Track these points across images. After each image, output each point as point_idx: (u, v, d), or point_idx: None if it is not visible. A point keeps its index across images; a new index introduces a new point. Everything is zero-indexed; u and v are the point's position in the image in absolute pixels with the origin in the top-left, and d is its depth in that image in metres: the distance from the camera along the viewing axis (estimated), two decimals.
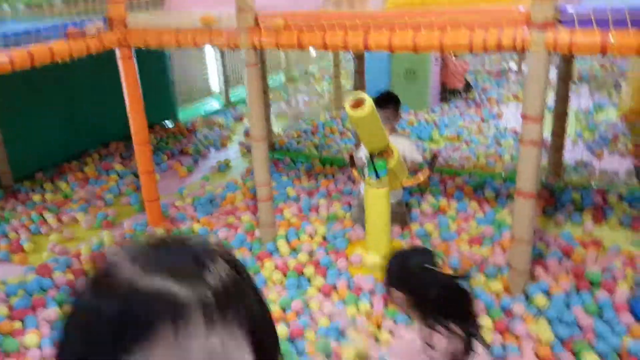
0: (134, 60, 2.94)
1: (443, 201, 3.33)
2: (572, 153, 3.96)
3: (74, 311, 0.52)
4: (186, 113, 5.52)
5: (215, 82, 6.15)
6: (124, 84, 2.95)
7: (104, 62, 3.15)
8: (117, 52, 2.89)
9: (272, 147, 4.31)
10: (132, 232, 3.20)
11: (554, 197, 3.29)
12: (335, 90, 5.38)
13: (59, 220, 3.40)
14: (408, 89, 5.18)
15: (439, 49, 2.20)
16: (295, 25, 2.46)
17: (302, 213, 3.30)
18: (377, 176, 2.54)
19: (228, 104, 5.82)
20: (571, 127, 4.27)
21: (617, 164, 3.83)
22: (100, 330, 0.48)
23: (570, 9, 2.00)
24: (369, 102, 2.21)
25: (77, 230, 3.31)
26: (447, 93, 5.45)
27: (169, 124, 5.19)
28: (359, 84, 3.73)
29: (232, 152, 4.61)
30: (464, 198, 3.38)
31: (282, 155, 4.22)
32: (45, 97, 4.05)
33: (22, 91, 3.89)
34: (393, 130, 2.93)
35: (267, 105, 4.16)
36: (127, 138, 4.46)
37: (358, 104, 2.24)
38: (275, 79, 6.77)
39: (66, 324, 0.52)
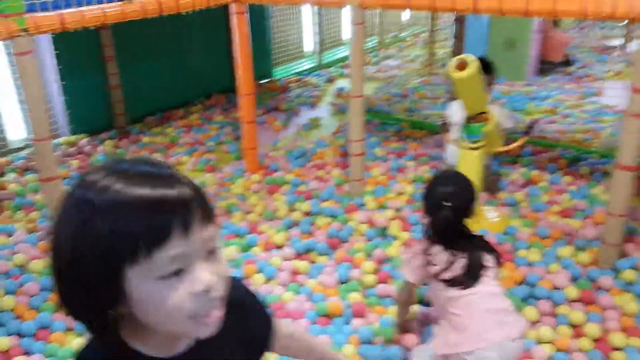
0: (247, 15, 3.12)
1: (535, 172, 3.32)
2: None
3: (91, 221, 0.61)
4: (281, 72, 5.72)
5: (309, 44, 6.29)
6: (235, 38, 3.15)
7: (211, 19, 3.35)
8: (232, 7, 3.08)
9: None
10: (231, 175, 3.46)
11: None
12: (429, 56, 5.36)
13: (167, 160, 3.72)
14: (506, 58, 5.05)
15: (552, 15, 2.19)
16: None
17: (390, 173, 3.41)
18: (472, 139, 2.59)
19: (321, 65, 5.96)
20: None
21: None
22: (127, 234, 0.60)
23: None
24: (474, 63, 2.25)
25: (183, 171, 3.60)
26: (545, 65, 5.27)
27: (264, 81, 5.41)
28: (458, 49, 3.72)
29: (323, 111, 4.76)
30: (557, 171, 3.34)
31: (372, 117, 4.31)
32: (158, 49, 4.39)
33: (139, 42, 4.23)
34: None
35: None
36: (227, 91, 4.76)
37: (462, 65, 2.29)
38: (368, 43, 6.82)
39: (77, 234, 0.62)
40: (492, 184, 3.08)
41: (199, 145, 3.94)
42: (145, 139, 4.03)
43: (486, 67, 2.91)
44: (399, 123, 4.19)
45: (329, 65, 6.00)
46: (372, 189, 3.17)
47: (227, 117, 4.43)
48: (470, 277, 1.67)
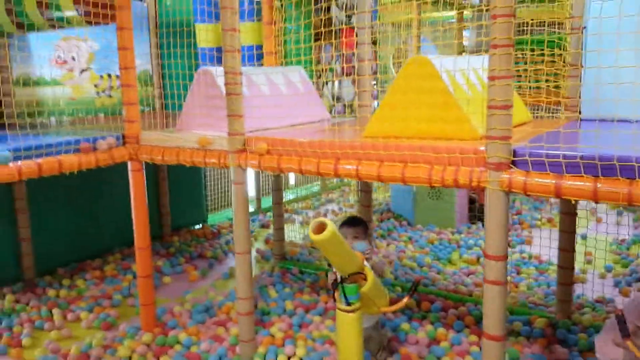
0: (143, 172, 3.19)
1: (441, 330, 3.17)
2: (598, 288, 3.70)
3: None
4: (216, 218, 5.74)
5: (250, 189, 6.42)
6: (132, 193, 3.18)
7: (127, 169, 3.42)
8: (129, 165, 3.16)
9: (283, 257, 4.36)
10: (123, 335, 3.27)
11: (556, 336, 3.05)
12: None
13: (64, 317, 3.54)
14: (433, 207, 5.17)
15: (402, 181, 2.24)
16: (275, 151, 2.61)
17: (292, 329, 3.25)
18: (347, 300, 2.50)
19: (259, 210, 6.02)
20: (603, 260, 4.04)
21: None
22: None
23: (524, 152, 2.00)
24: (330, 226, 2.24)
25: (77, 329, 3.42)
26: (480, 212, 5.34)
27: (197, 227, 5.41)
28: (365, 202, 3.77)
29: None
30: (463, 329, 3.20)
31: (290, 266, 4.24)
32: (74, 199, 4.36)
33: (54, 193, 4.21)
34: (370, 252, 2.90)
35: (279, 215, 4.28)
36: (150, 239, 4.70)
37: (321, 228, 2.28)
38: (312, 187, 6.99)
39: None
40: (380, 341, 2.94)
41: (104, 299, 3.78)
42: (51, 293, 3.87)
43: (358, 221, 2.98)
44: (317, 272, 4.11)
45: (268, 210, 6.05)
46: (265, 350, 2.99)
47: None
48: None
